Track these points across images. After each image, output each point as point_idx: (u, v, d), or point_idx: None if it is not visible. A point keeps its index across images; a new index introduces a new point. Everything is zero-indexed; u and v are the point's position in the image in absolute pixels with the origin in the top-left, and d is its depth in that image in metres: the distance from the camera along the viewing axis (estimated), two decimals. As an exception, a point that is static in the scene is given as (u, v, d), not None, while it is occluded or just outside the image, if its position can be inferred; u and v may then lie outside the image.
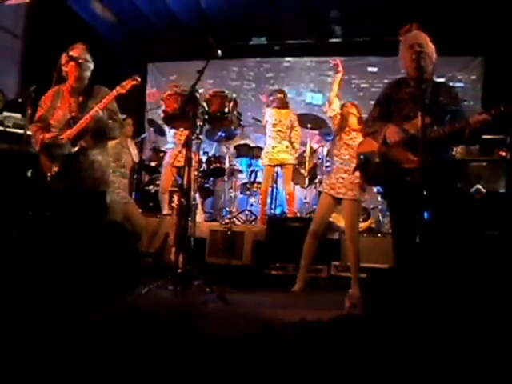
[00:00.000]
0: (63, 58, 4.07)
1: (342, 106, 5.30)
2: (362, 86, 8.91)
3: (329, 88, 5.48)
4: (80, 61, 4.01)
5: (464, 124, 3.31)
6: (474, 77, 8.35)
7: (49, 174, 4.03)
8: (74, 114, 4.00)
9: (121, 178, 5.81)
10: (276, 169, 6.91)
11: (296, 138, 6.82)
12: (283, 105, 6.83)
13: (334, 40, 8.90)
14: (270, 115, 6.80)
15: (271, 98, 6.88)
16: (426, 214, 3.36)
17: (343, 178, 5.04)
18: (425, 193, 3.25)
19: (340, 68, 5.39)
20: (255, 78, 9.60)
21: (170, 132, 6.84)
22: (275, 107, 6.79)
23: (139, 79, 4.04)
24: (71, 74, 4.05)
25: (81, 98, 4.05)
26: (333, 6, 8.01)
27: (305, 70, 9.47)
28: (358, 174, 4.96)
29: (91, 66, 4.12)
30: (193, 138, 3.84)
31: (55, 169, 4.01)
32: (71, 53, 4.02)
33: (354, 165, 4.96)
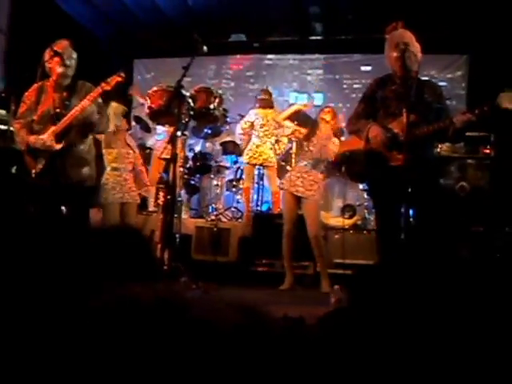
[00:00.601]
0: (47, 54, 4.03)
1: (320, 111, 5.41)
2: (355, 86, 8.67)
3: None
4: (64, 56, 3.97)
5: (448, 123, 3.34)
6: (459, 74, 8.41)
7: (33, 171, 3.99)
8: (58, 110, 3.96)
9: (116, 175, 5.70)
10: (259, 168, 6.92)
11: (285, 138, 6.84)
12: (268, 105, 6.83)
13: (318, 38, 8.85)
14: (256, 116, 6.79)
15: (256, 98, 6.91)
16: (408, 211, 3.40)
17: (303, 178, 5.13)
18: (410, 190, 3.29)
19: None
20: (234, 77, 9.39)
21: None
22: (260, 107, 6.79)
23: (124, 75, 4.02)
24: (55, 70, 4.01)
25: (64, 94, 4.01)
26: (316, 3, 7.98)
27: (288, 68, 9.29)
28: (319, 175, 5.10)
29: (75, 61, 4.09)
30: (178, 134, 3.82)
31: (40, 166, 3.98)
32: (55, 48, 3.99)
33: (317, 165, 5.10)
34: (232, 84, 9.28)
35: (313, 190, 5.08)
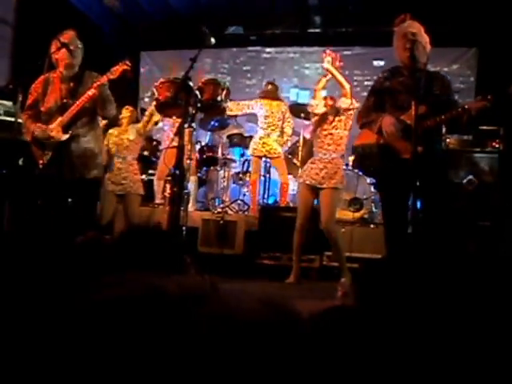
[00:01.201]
0: (53, 45, 4.02)
1: (325, 98, 5.30)
2: (366, 83, 8.25)
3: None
4: (71, 47, 3.97)
5: (461, 111, 3.31)
6: (467, 67, 8.35)
7: (40, 162, 4.00)
8: (65, 100, 3.97)
9: (119, 163, 5.77)
10: (265, 159, 6.90)
11: (289, 129, 6.82)
12: (273, 96, 6.81)
13: (317, 30, 8.75)
14: (260, 107, 6.77)
15: (262, 89, 6.89)
16: (416, 204, 3.38)
17: (319, 167, 5.06)
18: (418, 183, 3.26)
19: (337, 62, 5.06)
20: (230, 71, 9.14)
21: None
22: (264, 98, 6.77)
23: (129, 64, 4.01)
24: (61, 61, 4.01)
25: (71, 85, 4.02)
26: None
27: (288, 62, 9.05)
28: (337, 163, 5.02)
29: (81, 52, 4.08)
30: (185, 126, 3.82)
31: (47, 157, 3.98)
32: (61, 39, 3.98)
33: (334, 154, 5.03)
34: (228, 78, 8.87)
35: (329, 177, 5.00)
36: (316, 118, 5.25)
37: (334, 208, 5.14)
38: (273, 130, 6.68)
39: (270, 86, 6.86)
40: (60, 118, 3.93)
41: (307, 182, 5.11)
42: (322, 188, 5.04)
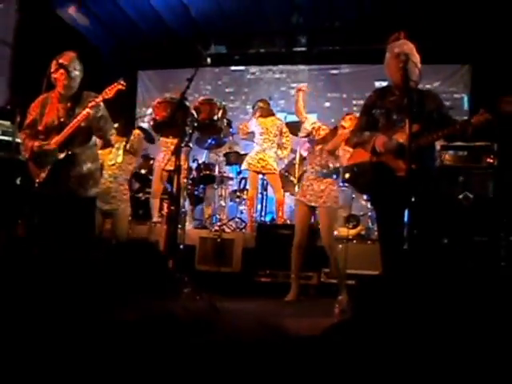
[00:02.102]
0: (52, 65, 4.07)
1: (341, 118, 5.29)
2: (355, 102, 8.24)
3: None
4: (69, 68, 4.01)
5: (465, 124, 3.35)
6: (461, 84, 8.42)
7: (37, 181, 4.03)
8: (62, 120, 4.00)
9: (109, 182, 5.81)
10: (262, 178, 6.94)
11: (288, 143, 6.84)
12: (267, 113, 6.86)
13: (302, 49, 8.77)
14: (255, 125, 6.82)
15: (254, 108, 6.95)
16: (412, 220, 3.41)
17: (313, 186, 5.09)
18: (413, 199, 3.29)
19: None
20: (213, 93, 8.77)
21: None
22: (259, 117, 6.82)
23: (124, 83, 4.04)
24: (60, 82, 4.05)
25: (69, 104, 4.05)
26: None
27: (273, 83, 8.90)
28: (331, 181, 5.06)
29: (80, 73, 4.12)
30: (182, 145, 3.85)
31: (43, 175, 4.01)
32: (60, 60, 4.02)
33: (325, 171, 5.06)
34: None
35: (323, 197, 5.03)
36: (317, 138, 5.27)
37: (332, 226, 5.18)
38: (269, 145, 6.72)
39: (261, 104, 6.91)
40: (56, 137, 3.96)
41: (303, 200, 5.14)
42: (318, 207, 5.07)
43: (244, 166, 6.85)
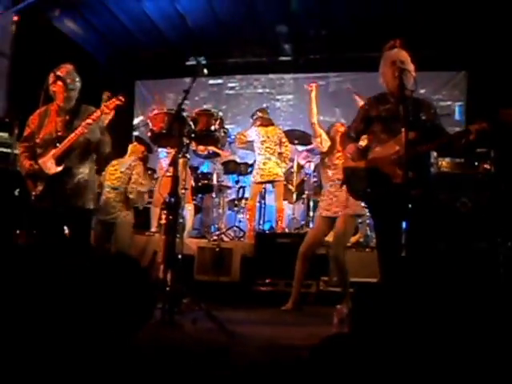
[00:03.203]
0: (51, 78, 4.08)
1: (331, 126, 5.28)
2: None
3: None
4: (67, 81, 4.03)
5: (462, 133, 3.37)
6: (457, 91, 8.47)
7: (33, 193, 4.03)
8: (60, 133, 4.01)
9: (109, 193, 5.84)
10: (265, 185, 6.96)
11: (287, 153, 6.87)
12: (268, 122, 6.90)
13: (286, 58, 8.72)
14: (256, 133, 6.85)
15: (254, 118, 6.98)
16: (409, 227, 3.42)
17: (338, 197, 4.95)
18: (410, 206, 3.30)
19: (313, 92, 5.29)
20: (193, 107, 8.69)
21: None
22: (260, 125, 6.86)
23: (123, 99, 4.05)
24: (58, 94, 4.06)
25: (67, 118, 4.06)
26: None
27: (255, 99, 8.68)
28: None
29: (78, 86, 4.13)
30: (179, 156, 3.86)
31: (40, 188, 4.01)
32: (58, 73, 4.04)
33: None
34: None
35: (349, 205, 4.86)
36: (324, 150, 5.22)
37: (346, 234, 5.02)
38: (271, 154, 6.75)
39: (260, 114, 6.96)
40: (53, 151, 3.97)
41: (323, 215, 5.06)
42: (337, 217, 4.95)
43: (256, 178, 6.82)
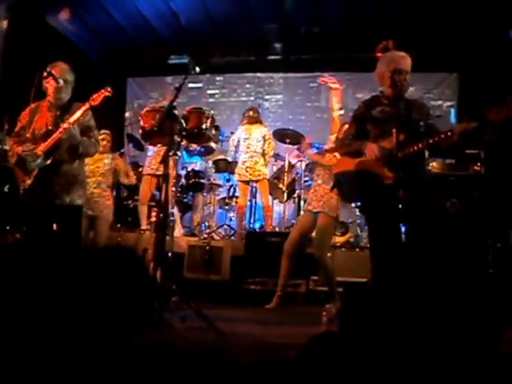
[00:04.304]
0: (44, 74, 4.07)
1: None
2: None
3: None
4: (59, 79, 4.02)
5: (445, 135, 3.36)
6: (449, 92, 8.50)
7: (22, 187, 4.02)
8: (49, 127, 4.00)
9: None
10: (251, 184, 6.96)
11: (268, 150, 6.89)
12: (254, 120, 6.92)
13: (276, 57, 8.76)
14: (241, 131, 6.91)
15: (244, 116, 6.99)
16: (403, 229, 3.42)
17: (317, 192, 5.02)
18: (402, 207, 3.31)
19: (334, 85, 4.99)
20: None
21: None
22: (246, 124, 6.89)
23: (110, 90, 4.04)
24: (50, 90, 4.06)
25: (58, 113, 4.05)
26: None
27: (237, 107, 8.68)
28: (335, 191, 4.99)
29: (71, 84, 4.13)
30: (170, 154, 3.85)
31: (28, 182, 4.00)
32: (53, 71, 4.02)
33: (330, 182, 5.00)
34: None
35: (321, 202, 4.94)
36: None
37: (326, 234, 5.03)
38: (253, 152, 6.76)
39: (251, 113, 6.97)
40: (43, 144, 3.96)
41: (309, 208, 5.09)
42: (318, 213, 4.99)
43: (236, 177, 6.93)
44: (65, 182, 4.05)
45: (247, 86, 9.05)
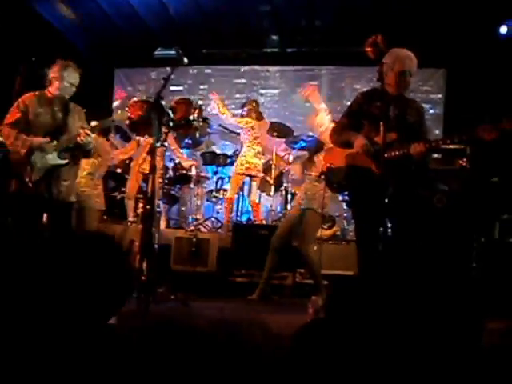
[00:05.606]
0: (54, 67, 4.09)
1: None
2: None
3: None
4: (65, 83, 4.07)
5: (405, 152, 3.38)
6: (436, 88, 8.53)
7: (27, 180, 3.97)
8: (52, 124, 4.04)
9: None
10: (244, 177, 6.97)
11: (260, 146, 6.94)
12: (261, 116, 6.96)
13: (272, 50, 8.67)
14: (248, 124, 6.87)
15: (245, 109, 6.96)
16: (389, 223, 3.44)
17: (311, 193, 5.05)
18: (387, 201, 3.32)
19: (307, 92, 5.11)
20: None
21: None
22: (247, 116, 6.86)
23: None
24: (56, 83, 4.09)
25: (62, 110, 4.10)
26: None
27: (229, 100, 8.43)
28: (318, 186, 5.03)
29: (74, 86, 4.17)
30: (157, 145, 3.84)
31: (36, 177, 3.97)
32: (65, 74, 4.07)
33: (321, 180, 5.03)
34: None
35: (308, 199, 5.01)
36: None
37: (309, 228, 5.06)
38: (253, 145, 6.80)
39: (249, 105, 6.96)
40: (55, 142, 3.99)
41: (298, 204, 5.17)
42: (307, 209, 5.02)
43: (239, 168, 6.82)
44: (70, 184, 4.15)
45: (237, 80, 9.00)
